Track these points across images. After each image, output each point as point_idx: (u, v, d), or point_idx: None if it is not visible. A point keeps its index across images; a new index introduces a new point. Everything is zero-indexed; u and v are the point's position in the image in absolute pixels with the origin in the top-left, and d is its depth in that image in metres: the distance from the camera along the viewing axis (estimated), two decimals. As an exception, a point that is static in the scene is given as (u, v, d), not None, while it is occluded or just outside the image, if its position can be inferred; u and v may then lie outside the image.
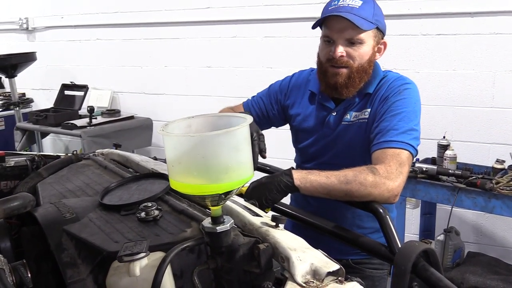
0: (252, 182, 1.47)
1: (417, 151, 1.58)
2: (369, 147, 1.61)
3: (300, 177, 1.44)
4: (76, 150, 1.80)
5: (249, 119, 0.94)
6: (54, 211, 1.22)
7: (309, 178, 1.44)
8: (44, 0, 4.82)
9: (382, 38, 1.70)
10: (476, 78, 3.24)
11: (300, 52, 3.46)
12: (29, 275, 1.00)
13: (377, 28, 1.64)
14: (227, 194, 0.91)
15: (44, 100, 4.99)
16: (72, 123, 3.94)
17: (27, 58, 4.31)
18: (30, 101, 4.96)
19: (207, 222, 0.96)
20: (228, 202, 1.17)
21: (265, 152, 1.45)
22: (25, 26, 4.86)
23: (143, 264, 0.90)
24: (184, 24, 4.18)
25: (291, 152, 1.95)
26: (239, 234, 1.00)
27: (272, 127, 1.97)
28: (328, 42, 1.66)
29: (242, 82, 4.03)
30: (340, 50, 1.61)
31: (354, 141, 1.69)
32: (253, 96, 1.95)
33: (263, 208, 1.41)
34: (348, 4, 1.59)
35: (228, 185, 0.89)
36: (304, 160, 1.86)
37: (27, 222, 1.33)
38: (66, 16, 4.72)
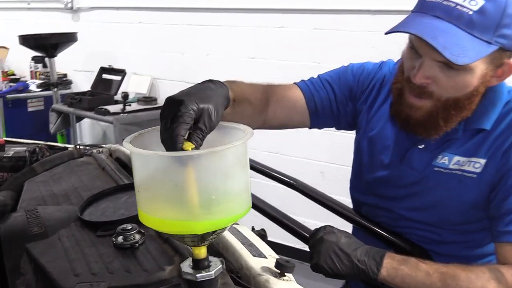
0: (325, 240, 1.05)
1: None
2: (471, 209, 1.16)
3: (390, 267, 1.04)
4: (78, 144, 1.60)
5: (249, 133, 0.69)
6: (22, 223, 1.02)
7: (401, 271, 1.03)
8: (90, -20, 4.71)
9: (510, 58, 1.08)
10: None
11: (351, 48, 3.16)
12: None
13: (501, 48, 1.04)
14: (211, 234, 0.67)
15: (85, 82, 4.87)
16: (105, 109, 3.77)
17: (67, 38, 4.18)
18: (68, 82, 4.85)
19: (187, 265, 0.73)
20: (227, 233, 0.93)
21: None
22: (69, 5, 4.76)
23: (93, 318, 0.68)
24: (228, 11, 3.94)
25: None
26: (230, 283, 0.76)
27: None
28: (413, 51, 1.09)
29: (285, 76, 3.74)
30: (424, 74, 1.07)
31: (449, 198, 1.17)
32: (314, 78, 1.35)
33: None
34: (457, 4, 1.00)
35: (210, 224, 0.65)
36: (364, 191, 1.33)
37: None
38: (111, -4, 4.59)
